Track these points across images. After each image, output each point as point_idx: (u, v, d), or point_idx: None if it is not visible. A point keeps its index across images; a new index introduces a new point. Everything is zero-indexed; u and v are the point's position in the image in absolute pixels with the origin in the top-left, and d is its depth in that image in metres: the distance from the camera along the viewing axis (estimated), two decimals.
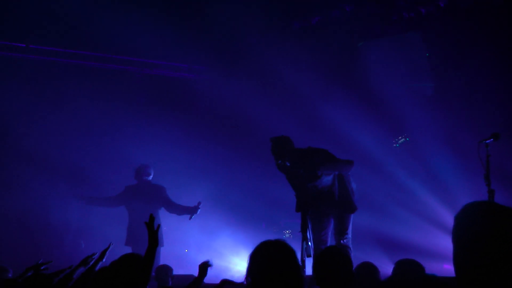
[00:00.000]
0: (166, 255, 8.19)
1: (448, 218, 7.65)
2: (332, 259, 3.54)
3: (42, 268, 5.07)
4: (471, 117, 8.66)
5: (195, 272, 4.91)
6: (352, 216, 6.37)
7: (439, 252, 7.57)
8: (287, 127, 8.39)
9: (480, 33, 8.74)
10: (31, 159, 9.46)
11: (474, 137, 6.33)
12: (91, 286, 4.01)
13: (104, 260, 5.11)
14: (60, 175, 9.69)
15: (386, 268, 6.02)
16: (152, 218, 3.78)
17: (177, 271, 6.47)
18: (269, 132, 7.12)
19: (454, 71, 9.12)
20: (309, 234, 5.70)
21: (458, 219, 1.95)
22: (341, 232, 6.26)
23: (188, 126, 10.45)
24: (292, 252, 2.74)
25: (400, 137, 9.66)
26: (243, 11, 9.13)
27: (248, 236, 9.13)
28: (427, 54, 9.58)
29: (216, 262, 8.78)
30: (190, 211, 8.35)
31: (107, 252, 5.22)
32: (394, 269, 4.25)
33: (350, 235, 6.32)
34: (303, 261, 5.39)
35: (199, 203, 8.33)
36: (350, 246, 6.25)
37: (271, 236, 3.03)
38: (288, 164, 6.20)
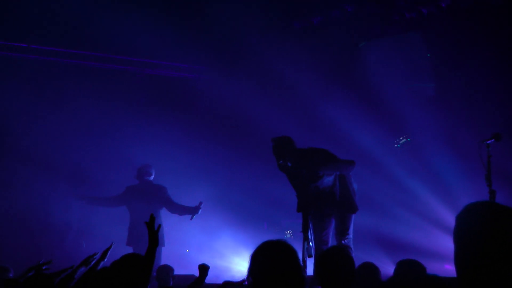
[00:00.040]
0: (167, 255, 8.20)
1: (449, 219, 7.65)
2: (335, 259, 3.54)
3: (43, 268, 5.07)
4: (472, 117, 8.66)
5: (196, 272, 4.91)
6: (353, 216, 6.37)
7: (440, 252, 7.58)
8: (287, 127, 8.40)
9: (480, 33, 8.74)
10: (31, 159, 9.46)
11: (474, 137, 6.34)
12: (92, 286, 4.01)
13: (105, 259, 5.12)
14: (60, 175, 9.70)
15: (387, 268, 6.02)
16: (152, 218, 3.78)
17: (178, 271, 6.47)
18: (269, 132, 7.12)
19: (454, 71, 9.12)
20: (310, 235, 5.70)
21: (459, 219, 1.95)
22: (342, 232, 6.26)
23: (188, 126, 10.45)
24: (293, 252, 2.74)
25: (401, 138, 9.65)
26: (243, 11, 9.13)
27: (249, 236, 9.13)
28: (428, 55, 9.58)
29: (217, 262, 8.82)
30: (192, 211, 8.35)
31: (108, 252, 5.23)
32: (396, 269, 4.25)
33: (351, 236, 6.32)
34: (304, 261, 5.39)
35: (201, 203, 8.33)
36: (351, 246, 6.26)
37: (272, 236, 3.03)
38: (290, 165, 6.20)
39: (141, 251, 4.93)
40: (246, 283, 5.11)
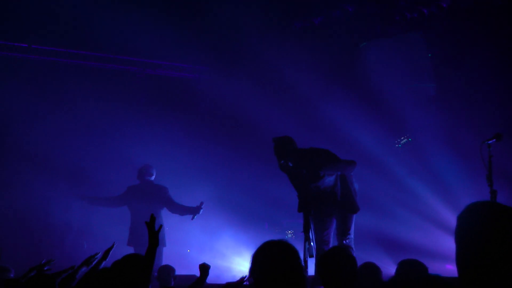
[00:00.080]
0: (168, 255, 8.19)
1: (451, 218, 7.65)
2: (337, 259, 3.54)
3: (45, 268, 5.07)
4: (472, 117, 8.66)
5: (197, 272, 4.91)
6: (354, 216, 6.37)
7: (441, 252, 7.57)
8: (288, 127, 8.40)
9: (480, 33, 8.74)
10: (32, 159, 9.46)
11: (475, 137, 6.34)
12: (94, 286, 4.01)
13: (107, 259, 5.12)
14: (60, 175, 9.70)
15: (389, 268, 6.01)
16: (153, 218, 3.78)
17: (179, 271, 6.47)
18: (270, 132, 7.12)
19: (454, 71, 9.12)
20: (311, 235, 5.69)
21: (460, 219, 1.95)
22: (343, 232, 6.26)
23: (189, 126, 10.45)
24: (295, 252, 2.73)
25: (402, 138, 9.65)
26: (243, 11, 9.13)
27: (250, 236, 9.14)
28: (430, 55, 9.58)
29: (218, 262, 8.82)
30: (193, 211, 8.35)
31: (110, 252, 5.23)
32: (397, 269, 4.25)
33: (352, 236, 6.32)
34: (306, 261, 5.39)
35: (202, 203, 8.33)
36: (353, 246, 6.25)
37: (273, 236, 3.03)
38: (291, 165, 6.19)
39: (142, 251, 4.93)
40: (247, 283, 5.12)
